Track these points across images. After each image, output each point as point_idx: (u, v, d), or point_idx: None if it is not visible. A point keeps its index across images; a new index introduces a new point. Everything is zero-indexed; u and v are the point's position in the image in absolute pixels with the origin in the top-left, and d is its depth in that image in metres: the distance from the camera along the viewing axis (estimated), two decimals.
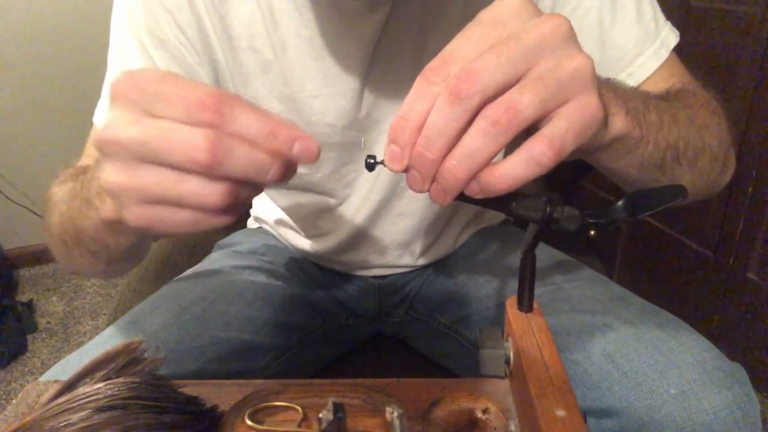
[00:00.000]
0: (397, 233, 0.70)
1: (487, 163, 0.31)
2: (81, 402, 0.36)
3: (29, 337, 1.77)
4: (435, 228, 0.72)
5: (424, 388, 0.45)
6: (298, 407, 0.43)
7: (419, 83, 0.31)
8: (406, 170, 0.32)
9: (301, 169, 0.54)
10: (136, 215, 0.33)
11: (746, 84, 1.24)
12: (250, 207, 0.86)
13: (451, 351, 0.72)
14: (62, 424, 0.35)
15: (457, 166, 0.31)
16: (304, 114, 0.60)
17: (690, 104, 0.54)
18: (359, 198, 0.67)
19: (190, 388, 0.42)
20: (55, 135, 1.94)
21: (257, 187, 0.33)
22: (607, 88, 0.39)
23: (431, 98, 0.31)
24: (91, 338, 0.61)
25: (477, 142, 0.30)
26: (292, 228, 0.77)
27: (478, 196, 0.32)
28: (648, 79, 0.59)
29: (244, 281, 0.70)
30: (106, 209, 0.42)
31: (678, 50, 0.60)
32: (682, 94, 0.56)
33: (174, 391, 0.40)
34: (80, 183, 0.47)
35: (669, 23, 0.60)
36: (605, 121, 0.37)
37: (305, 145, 0.32)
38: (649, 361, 0.49)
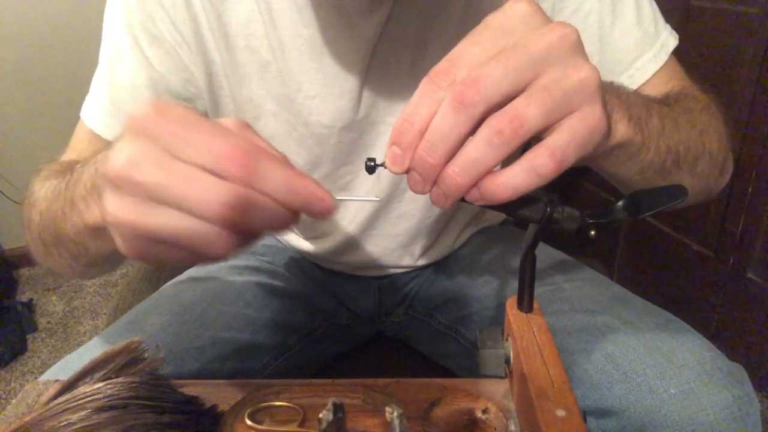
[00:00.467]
0: (397, 234, 0.70)
1: (489, 171, 0.31)
2: (81, 402, 0.36)
3: (29, 337, 1.77)
4: (435, 229, 0.72)
5: (424, 388, 0.45)
6: (298, 407, 0.43)
7: (425, 86, 0.31)
8: (407, 171, 0.33)
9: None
10: (135, 250, 0.32)
11: (746, 84, 1.24)
12: None
13: (451, 351, 0.72)
14: (62, 424, 0.35)
15: (459, 173, 0.31)
16: (302, 115, 0.60)
17: (690, 108, 0.54)
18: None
19: (190, 388, 0.42)
20: (56, 135, 1.94)
21: (262, 237, 0.33)
22: (611, 94, 0.39)
23: (436, 102, 0.31)
24: (91, 338, 0.61)
25: (480, 150, 0.30)
26: (291, 229, 0.77)
27: (479, 203, 0.32)
28: (647, 81, 0.59)
29: (244, 281, 0.70)
30: (91, 214, 0.41)
31: (678, 50, 0.60)
32: (682, 97, 0.56)
33: (174, 391, 0.41)
34: (65, 183, 0.46)
35: (668, 26, 0.61)
36: (608, 132, 0.37)
37: (325, 206, 0.31)
38: (649, 361, 0.49)
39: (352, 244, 0.71)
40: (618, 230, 1.63)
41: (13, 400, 0.44)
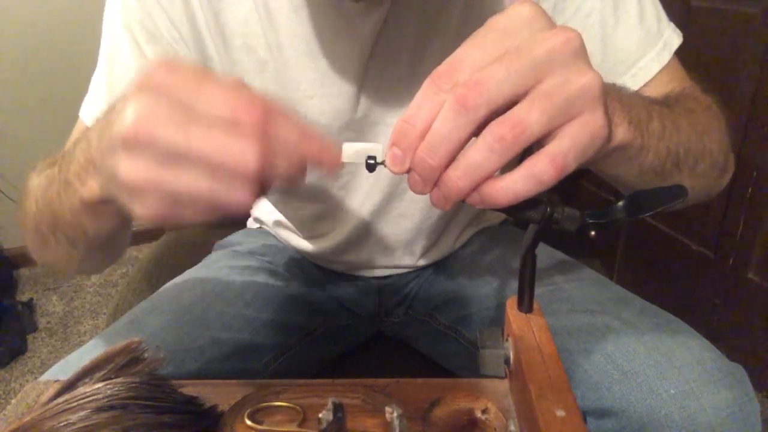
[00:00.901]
0: (398, 234, 0.70)
1: (490, 176, 0.31)
2: (81, 402, 0.36)
3: (29, 337, 1.77)
4: (435, 229, 0.72)
5: (423, 388, 0.45)
6: (298, 407, 0.43)
7: (427, 88, 0.31)
8: (407, 172, 0.33)
9: None
10: (153, 211, 0.31)
11: (746, 84, 1.24)
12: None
13: (451, 351, 0.72)
14: (62, 424, 0.35)
15: (460, 177, 0.31)
16: (300, 114, 0.60)
17: (691, 109, 0.54)
18: (358, 200, 0.67)
19: (190, 388, 0.42)
20: (56, 135, 1.93)
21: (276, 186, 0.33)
22: (612, 97, 0.39)
23: (437, 104, 0.31)
24: (91, 338, 0.61)
25: (482, 155, 0.30)
26: (290, 230, 0.77)
27: (479, 207, 0.32)
28: (649, 81, 0.58)
29: (244, 281, 0.70)
30: (88, 189, 0.40)
31: (678, 50, 0.60)
32: (683, 98, 0.56)
33: (174, 391, 0.41)
34: (57, 167, 0.45)
35: (672, 24, 0.60)
36: (609, 136, 0.37)
37: (332, 159, 0.33)
38: (649, 361, 0.49)
39: (352, 243, 0.71)
40: (618, 230, 1.63)
41: (13, 400, 0.44)
